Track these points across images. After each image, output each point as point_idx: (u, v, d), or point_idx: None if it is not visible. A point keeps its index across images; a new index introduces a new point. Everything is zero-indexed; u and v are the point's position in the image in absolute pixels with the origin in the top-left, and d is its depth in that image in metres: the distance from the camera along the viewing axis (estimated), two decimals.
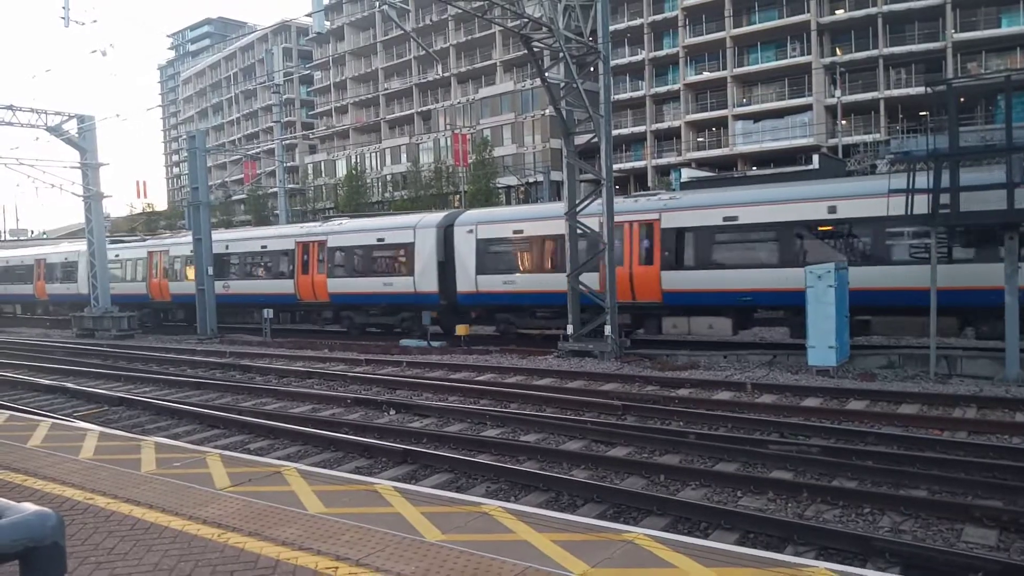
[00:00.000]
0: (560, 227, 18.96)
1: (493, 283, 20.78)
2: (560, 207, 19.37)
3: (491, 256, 21.06)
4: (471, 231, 21.42)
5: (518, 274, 20.58)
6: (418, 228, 22.67)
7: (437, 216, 23.45)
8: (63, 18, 20.16)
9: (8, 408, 12.37)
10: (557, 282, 18.86)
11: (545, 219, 20.40)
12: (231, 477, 6.71)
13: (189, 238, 28.10)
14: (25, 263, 39.20)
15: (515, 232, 20.87)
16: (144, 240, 34.00)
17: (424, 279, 22.22)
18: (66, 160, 29.05)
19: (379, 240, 23.59)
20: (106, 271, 29.83)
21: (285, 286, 25.78)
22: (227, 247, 28.12)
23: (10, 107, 26.42)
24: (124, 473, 6.89)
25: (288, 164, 61.50)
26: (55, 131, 27.65)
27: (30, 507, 1.60)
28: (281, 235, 27.23)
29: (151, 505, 5.87)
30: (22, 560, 1.55)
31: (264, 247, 27.35)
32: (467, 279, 21.31)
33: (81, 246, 34.62)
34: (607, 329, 17.63)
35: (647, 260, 18.38)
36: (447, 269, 21.92)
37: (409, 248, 22.65)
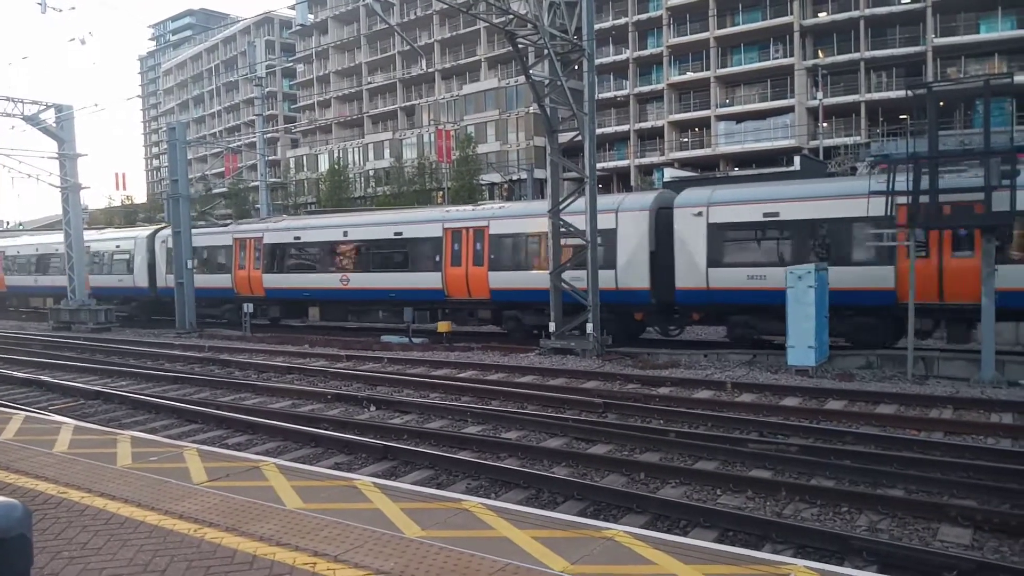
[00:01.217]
0: (830, 209, 16.46)
1: (732, 278, 17.39)
2: (845, 185, 17.66)
3: (730, 245, 17.65)
4: (700, 213, 17.78)
5: (769, 268, 16.89)
6: (621, 211, 18.89)
7: (646, 197, 20.19)
8: (39, 3, 19.81)
9: None
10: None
11: (817, 199, 16.87)
12: (208, 472, 6.64)
13: (289, 223, 26.05)
14: (59, 252, 34.84)
15: (767, 215, 17.33)
16: (226, 224, 29.41)
17: (630, 273, 18.57)
18: (43, 150, 28.65)
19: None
20: (83, 263, 29.39)
21: (429, 280, 21.97)
22: (345, 233, 24.22)
23: None
24: (99, 467, 6.80)
25: (270, 158, 61.01)
26: (32, 120, 27.24)
27: None
28: (424, 220, 23.08)
29: (126, 499, 5.79)
30: None
31: (399, 234, 23.00)
32: (693, 273, 17.77)
33: (136, 232, 31.92)
34: (589, 327, 17.66)
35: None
36: (659, 260, 18.47)
37: (609, 236, 18.72)
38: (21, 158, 28.10)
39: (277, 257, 25.79)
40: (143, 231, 31.95)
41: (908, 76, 44.83)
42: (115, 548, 4.81)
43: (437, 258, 21.85)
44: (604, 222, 18.35)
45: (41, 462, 7.00)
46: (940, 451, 9.04)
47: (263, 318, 27.56)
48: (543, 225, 19.22)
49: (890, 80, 48.12)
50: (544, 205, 19.80)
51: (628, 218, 18.90)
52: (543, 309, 19.34)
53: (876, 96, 48.01)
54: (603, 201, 19.15)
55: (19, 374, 16.37)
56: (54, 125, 27.82)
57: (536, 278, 19.68)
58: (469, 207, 23.82)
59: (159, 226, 32.89)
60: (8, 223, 78.70)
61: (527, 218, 20.71)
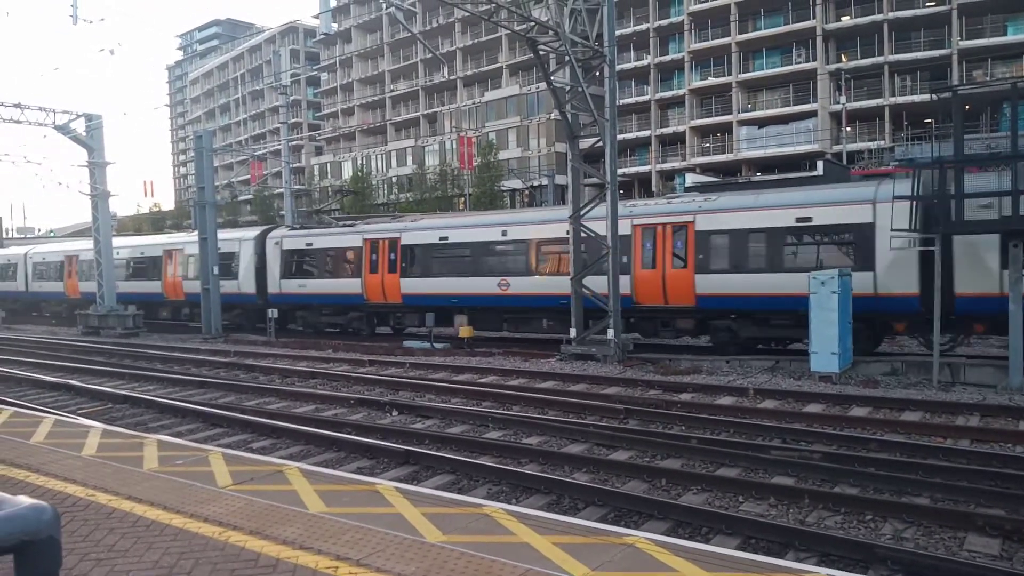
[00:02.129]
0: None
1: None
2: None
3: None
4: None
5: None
6: (880, 200, 15.82)
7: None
8: (71, 16, 20.23)
9: (12, 405, 12.40)
10: None
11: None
12: (233, 476, 6.72)
13: (432, 222, 23.64)
14: (147, 254, 32.00)
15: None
16: (352, 224, 25.94)
17: (893, 275, 15.69)
18: (74, 159, 29.19)
19: (798, 220, 16.86)
20: (112, 268, 29.79)
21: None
22: (504, 232, 21.42)
23: (18, 105, 26.53)
24: (126, 470, 6.91)
25: (294, 165, 61.61)
26: (63, 130, 27.75)
27: (25, 500, 1.59)
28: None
29: (152, 503, 5.88)
30: (16, 554, 1.54)
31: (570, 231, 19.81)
32: (983, 276, 14.80)
33: (241, 233, 29.05)
34: (610, 333, 17.62)
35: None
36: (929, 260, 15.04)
37: (862, 230, 16.04)
38: (53, 166, 28.79)
39: (418, 260, 22.89)
40: (249, 231, 29.28)
41: (933, 79, 44.30)
42: (141, 550, 4.89)
43: (624, 259, 18.76)
44: (850, 214, 16.49)
45: (70, 465, 7.13)
46: (967, 459, 8.91)
47: (381, 327, 25.17)
48: (782, 219, 16.99)
49: (914, 84, 47.62)
50: (789, 195, 17.76)
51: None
52: (772, 318, 17.41)
53: (900, 100, 47.51)
54: (842, 192, 17.21)
55: (49, 378, 16.66)
56: (84, 134, 28.33)
57: (768, 281, 17.01)
58: (663, 199, 20.69)
59: (269, 226, 31.12)
60: (39, 230, 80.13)
61: (758, 212, 17.71)
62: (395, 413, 12.60)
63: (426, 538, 5.04)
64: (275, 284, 26.42)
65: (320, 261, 25.39)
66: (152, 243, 33.49)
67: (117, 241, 33.02)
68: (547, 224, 20.86)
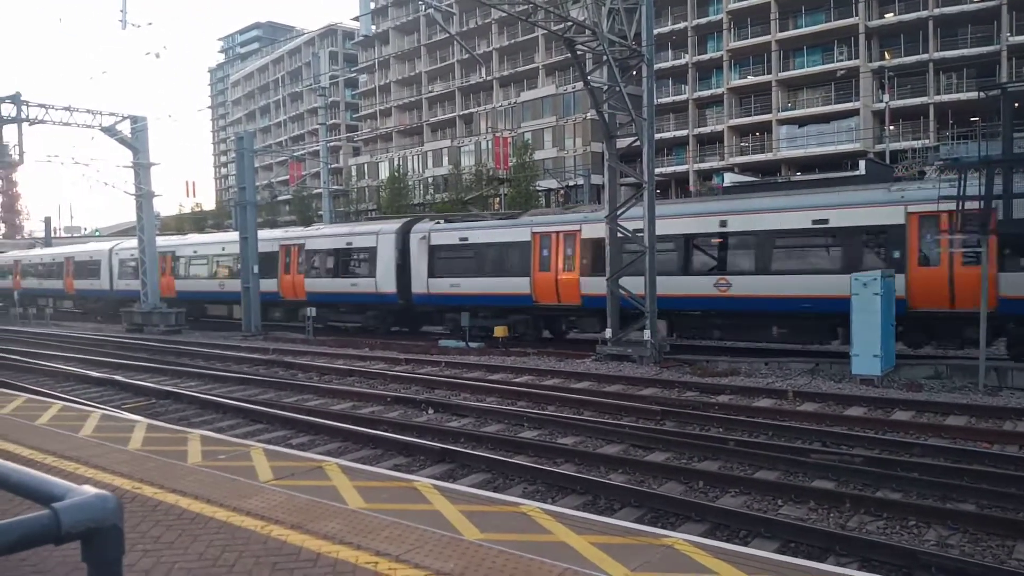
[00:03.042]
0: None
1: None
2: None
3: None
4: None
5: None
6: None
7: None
8: (121, 21, 20.79)
9: (61, 399, 12.75)
10: None
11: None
12: (274, 471, 6.83)
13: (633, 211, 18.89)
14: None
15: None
16: (516, 216, 23.84)
17: None
18: (119, 159, 29.90)
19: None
20: (155, 267, 30.36)
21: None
22: (723, 223, 18.19)
23: (68, 108, 27.30)
24: (171, 464, 7.06)
25: (332, 166, 62.35)
26: (109, 131, 28.44)
27: (91, 490, 1.65)
28: (863, 203, 16.54)
29: (197, 496, 6.00)
30: (84, 541, 1.60)
31: (821, 221, 16.83)
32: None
33: (382, 225, 26.07)
34: (646, 334, 17.52)
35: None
36: None
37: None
38: (99, 167, 29.49)
39: (602, 256, 19.46)
40: (388, 224, 26.17)
41: (980, 77, 43.26)
42: (187, 543, 5.00)
43: (896, 254, 15.83)
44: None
45: (117, 458, 7.31)
46: (1015, 466, 8.69)
47: (540, 330, 22.53)
48: None
49: (961, 81, 46.50)
50: None
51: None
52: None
53: (946, 98, 46.44)
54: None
55: (95, 374, 17.10)
56: (129, 135, 29.00)
57: None
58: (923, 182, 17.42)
59: (410, 217, 28.55)
60: (85, 229, 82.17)
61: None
62: (431, 411, 12.69)
63: (464, 536, 5.08)
64: (421, 283, 23.82)
65: (477, 257, 22.79)
66: (267, 237, 29.71)
67: (211, 237, 32.22)
68: (786, 213, 17.45)
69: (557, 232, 21.09)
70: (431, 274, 23.50)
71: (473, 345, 21.37)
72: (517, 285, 21.53)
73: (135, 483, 6.41)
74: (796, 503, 7.59)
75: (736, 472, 8.75)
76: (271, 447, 8.19)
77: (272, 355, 20.77)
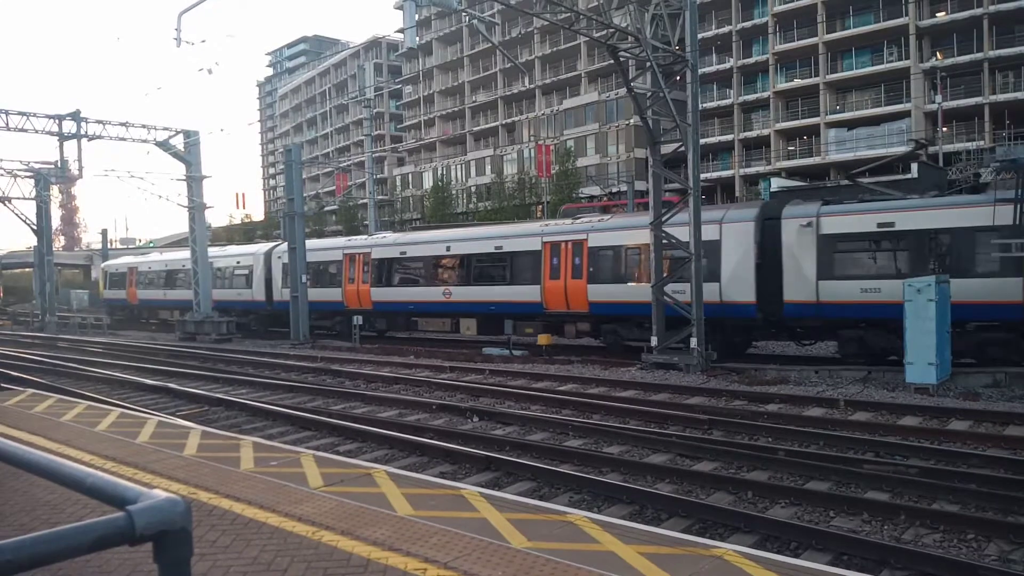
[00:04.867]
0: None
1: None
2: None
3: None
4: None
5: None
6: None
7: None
8: (175, 39, 21.42)
9: (119, 406, 13.14)
10: None
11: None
12: (324, 477, 6.94)
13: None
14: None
15: (881, 225, 16.08)
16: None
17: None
18: (173, 172, 30.76)
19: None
20: (208, 278, 31.03)
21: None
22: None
23: (124, 124, 28.20)
24: (224, 470, 7.23)
25: (377, 176, 63.12)
26: (163, 146, 29.28)
27: (161, 494, 1.72)
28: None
29: (250, 501, 6.14)
30: (156, 543, 1.67)
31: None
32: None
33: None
34: (693, 342, 17.34)
35: None
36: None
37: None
38: (154, 180, 30.34)
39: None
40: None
41: None
42: (240, 547, 5.12)
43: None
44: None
45: (173, 464, 7.51)
46: None
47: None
48: None
49: (1018, 80, 45.10)
50: None
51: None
52: None
53: (1002, 97, 45.10)
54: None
55: (150, 381, 17.58)
56: (182, 149, 29.81)
57: None
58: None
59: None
60: (140, 240, 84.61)
61: None
62: (476, 419, 12.74)
63: (511, 543, 5.10)
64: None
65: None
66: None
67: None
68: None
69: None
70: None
71: (517, 353, 21.43)
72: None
73: (191, 488, 6.58)
74: (849, 514, 7.43)
75: (786, 483, 8.60)
76: (320, 454, 8.32)
77: (320, 363, 21.09)
